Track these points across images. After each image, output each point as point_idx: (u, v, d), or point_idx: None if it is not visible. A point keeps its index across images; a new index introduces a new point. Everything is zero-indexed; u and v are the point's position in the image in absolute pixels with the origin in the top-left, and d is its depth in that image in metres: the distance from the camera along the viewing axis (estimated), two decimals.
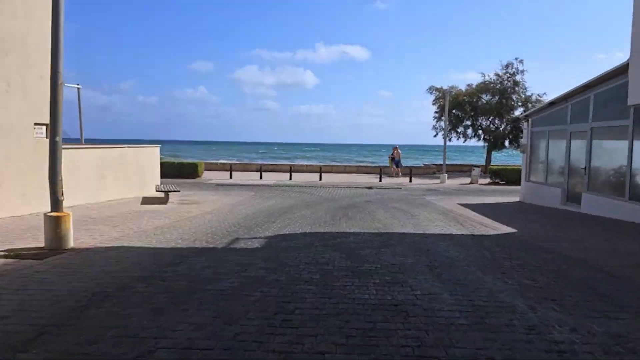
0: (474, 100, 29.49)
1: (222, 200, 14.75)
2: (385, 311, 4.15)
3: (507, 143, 29.32)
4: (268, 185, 20.19)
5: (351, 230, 8.95)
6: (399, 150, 26.66)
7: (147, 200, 14.00)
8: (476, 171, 22.70)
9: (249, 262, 6.05)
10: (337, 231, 8.85)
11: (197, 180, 22.46)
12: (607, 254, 7.08)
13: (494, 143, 29.26)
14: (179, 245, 7.18)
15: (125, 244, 7.17)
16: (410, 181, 22.98)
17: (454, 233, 8.77)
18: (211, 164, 29.53)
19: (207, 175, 24.74)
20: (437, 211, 12.44)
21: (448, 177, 23.35)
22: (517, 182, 22.34)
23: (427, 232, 8.93)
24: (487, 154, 30.15)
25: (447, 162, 24.59)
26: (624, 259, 6.75)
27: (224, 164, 28.11)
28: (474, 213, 12.08)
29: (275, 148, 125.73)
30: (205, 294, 4.60)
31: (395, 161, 26.48)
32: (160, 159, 29.31)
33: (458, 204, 14.66)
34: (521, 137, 29.26)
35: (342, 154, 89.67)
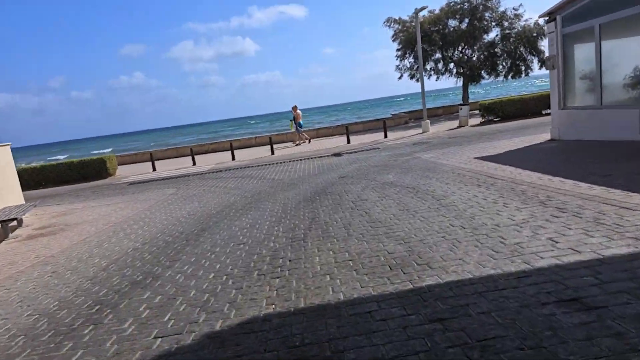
0: (441, 28, 23.99)
1: (113, 215, 8.70)
2: None
3: (484, 74, 24.36)
4: (201, 174, 14.12)
5: (336, 291, 3.33)
6: (299, 111, 19.44)
7: None
8: (464, 110, 17.59)
9: None
10: (301, 306, 3.20)
11: (106, 180, 15.94)
12: None
13: (470, 76, 24.22)
14: None
15: None
16: (386, 136, 17.59)
17: (603, 254, 3.37)
18: (135, 155, 22.71)
19: (125, 171, 18.17)
20: (468, 181, 7.06)
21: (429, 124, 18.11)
22: (516, 116, 17.57)
23: (536, 262, 3.46)
24: (464, 89, 25.12)
25: (415, 109, 19.29)
26: None
27: (145, 153, 21.37)
28: (536, 174, 6.82)
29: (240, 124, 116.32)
30: None
31: (296, 124, 19.42)
32: (55, 160, 21.88)
33: (477, 158, 9.42)
34: (500, 64, 24.43)
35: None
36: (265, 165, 13.96)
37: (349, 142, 17.31)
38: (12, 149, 11.02)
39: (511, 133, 13.45)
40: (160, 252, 5.28)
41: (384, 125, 17.86)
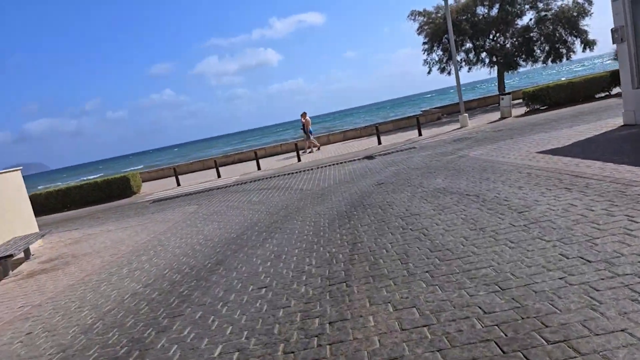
0: (469, 16, 22.01)
1: (126, 242, 7.66)
2: None
3: (520, 61, 22.10)
4: (225, 187, 13.02)
5: None
6: (308, 117, 18.21)
7: None
8: (506, 100, 15.63)
9: None
10: None
11: (130, 199, 15.17)
12: None
13: (506, 64, 22.04)
14: None
15: None
16: (420, 134, 15.91)
17: None
18: (162, 170, 22.11)
19: (150, 188, 17.43)
20: (547, 182, 5.42)
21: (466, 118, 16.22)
22: (565, 103, 15.43)
23: None
24: (499, 79, 22.89)
25: (446, 104, 17.42)
26: None
27: (170, 168, 20.63)
28: None
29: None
30: None
31: (306, 131, 18.14)
32: (80, 180, 21.29)
33: (541, 153, 7.71)
34: (537, 48, 22.12)
35: (324, 124, 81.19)
36: (292, 173, 12.67)
37: (380, 143, 15.76)
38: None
39: (569, 121, 11.50)
40: (161, 302, 4.02)
41: (417, 123, 16.19)
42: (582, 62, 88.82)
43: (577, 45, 20.90)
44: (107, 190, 16.14)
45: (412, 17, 23.34)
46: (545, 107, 15.72)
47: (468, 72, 23.83)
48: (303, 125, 18.25)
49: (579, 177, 5.30)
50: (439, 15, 22.62)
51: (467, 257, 3.46)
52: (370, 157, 12.74)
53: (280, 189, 10.17)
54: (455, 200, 5.51)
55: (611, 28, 9.12)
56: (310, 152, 18.01)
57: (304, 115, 18.13)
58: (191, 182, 16.48)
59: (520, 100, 17.55)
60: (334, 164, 12.75)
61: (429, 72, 23.82)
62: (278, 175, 12.90)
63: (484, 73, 24.01)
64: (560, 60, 21.30)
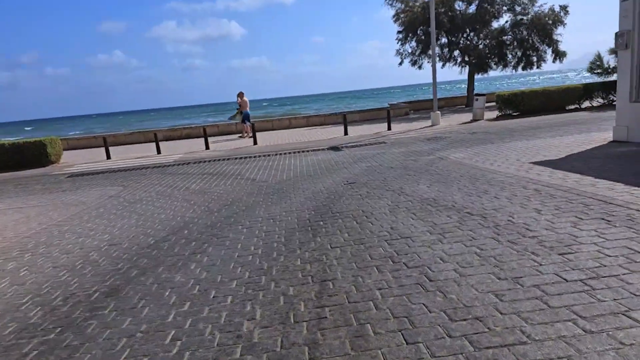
0: (448, 9, 20.99)
1: (7, 231, 5.66)
2: None
3: (492, 64, 21.59)
4: (163, 166, 10.91)
5: None
6: (246, 98, 15.82)
7: None
8: (480, 102, 14.79)
9: None
10: None
11: (45, 169, 12.49)
12: None
13: (478, 65, 21.42)
14: None
15: None
16: (390, 129, 14.66)
17: None
18: (94, 138, 19.09)
19: (73, 158, 14.69)
20: (570, 207, 4.20)
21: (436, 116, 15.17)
22: (537, 112, 14.89)
23: None
24: (469, 79, 22.31)
25: (414, 99, 16.28)
26: None
27: (103, 136, 17.71)
28: None
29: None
30: None
31: (243, 114, 15.79)
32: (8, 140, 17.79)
33: (535, 164, 6.65)
34: (510, 53, 21.70)
35: (286, 107, 78.16)
36: (245, 158, 10.85)
37: (346, 133, 14.31)
38: None
39: (548, 131, 10.72)
40: None
41: (388, 116, 14.91)
42: (537, 75, 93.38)
43: (548, 55, 20.72)
44: (17, 157, 13.26)
45: (390, 3, 21.92)
46: (517, 113, 15.10)
47: (442, 68, 22.99)
48: (239, 106, 16.03)
49: (610, 204, 4.14)
50: (418, 4, 21.42)
51: (519, 344, 2.05)
52: (336, 149, 11.24)
53: (228, 176, 8.38)
54: (455, 220, 4.14)
55: (615, 32, 8.23)
56: (240, 137, 16.07)
57: (240, 95, 15.71)
58: (125, 155, 14.04)
59: (493, 104, 16.91)
60: (295, 152, 11.10)
61: (400, 63, 22.68)
62: (228, 159, 11.01)
63: (451, 73, 23.33)
64: (531, 68, 21.04)
